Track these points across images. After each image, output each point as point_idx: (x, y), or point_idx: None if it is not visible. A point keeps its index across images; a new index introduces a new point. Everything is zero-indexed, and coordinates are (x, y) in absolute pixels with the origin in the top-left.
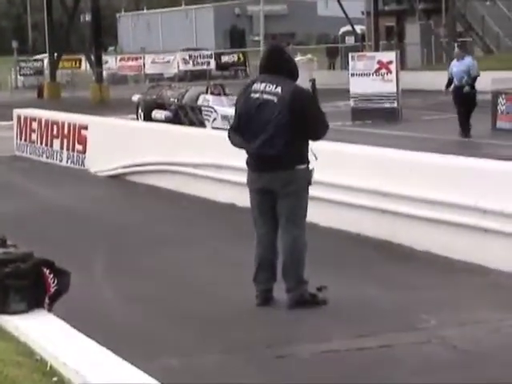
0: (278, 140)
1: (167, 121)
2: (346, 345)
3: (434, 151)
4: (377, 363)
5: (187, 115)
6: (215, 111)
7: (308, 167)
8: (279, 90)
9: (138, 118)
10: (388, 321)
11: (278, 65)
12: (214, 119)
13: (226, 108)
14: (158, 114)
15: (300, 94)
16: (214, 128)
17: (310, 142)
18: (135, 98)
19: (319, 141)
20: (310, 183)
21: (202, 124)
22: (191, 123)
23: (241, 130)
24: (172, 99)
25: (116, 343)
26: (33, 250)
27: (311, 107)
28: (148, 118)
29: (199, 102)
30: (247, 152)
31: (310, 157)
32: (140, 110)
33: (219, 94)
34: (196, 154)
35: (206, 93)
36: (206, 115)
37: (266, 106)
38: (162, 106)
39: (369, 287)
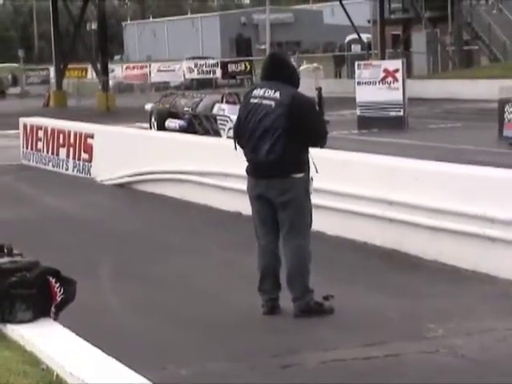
0: (275, 146)
1: (181, 130)
2: (353, 354)
3: (441, 160)
4: (384, 372)
5: (202, 124)
6: (231, 120)
7: (307, 176)
8: (278, 94)
9: (151, 127)
10: (395, 330)
11: (278, 71)
12: (230, 128)
13: None
14: (171, 123)
15: (299, 99)
16: (229, 137)
17: (311, 153)
18: (148, 106)
19: (317, 148)
20: (308, 192)
21: (216, 133)
22: (206, 132)
23: (241, 136)
24: (186, 108)
25: (122, 352)
26: (39, 259)
27: (310, 113)
28: (161, 127)
29: (214, 111)
30: (247, 159)
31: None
32: (153, 119)
33: (234, 103)
34: (202, 163)
35: (221, 102)
36: (222, 124)
37: (264, 111)
38: (175, 115)
39: (375, 296)
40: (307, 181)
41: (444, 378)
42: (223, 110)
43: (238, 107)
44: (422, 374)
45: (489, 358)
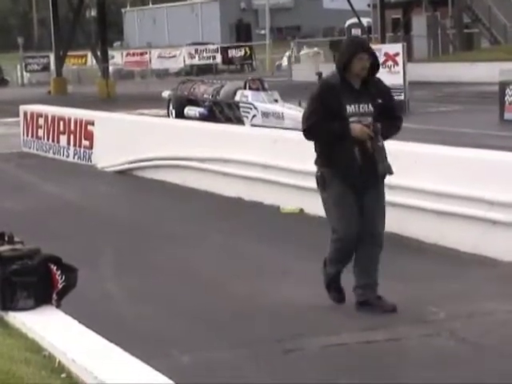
0: None
1: (201, 118)
2: (355, 338)
3: (441, 143)
4: (385, 356)
5: (223, 112)
6: (255, 108)
7: (331, 171)
8: None
9: (168, 115)
10: (396, 313)
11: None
12: (254, 116)
13: (266, 104)
14: (190, 111)
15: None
16: (253, 125)
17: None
18: (165, 94)
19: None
20: (325, 188)
21: (239, 121)
22: (228, 120)
23: None
24: (206, 95)
25: (124, 339)
26: (40, 247)
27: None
28: (180, 115)
29: (237, 98)
30: None
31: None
32: (171, 107)
33: (258, 89)
34: (203, 149)
35: (244, 88)
36: (245, 112)
37: None
38: (194, 103)
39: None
40: (321, 176)
41: (445, 361)
42: (246, 96)
43: (261, 93)
44: (424, 357)
45: (490, 342)
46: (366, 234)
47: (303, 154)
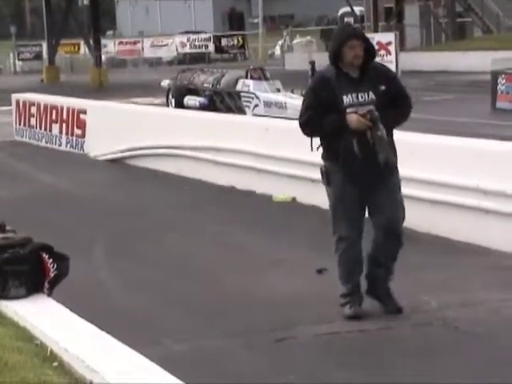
0: None
1: (201, 107)
2: (347, 327)
3: (434, 132)
4: (378, 345)
5: (224, 101)
6: (257, 97)
7: (329, 164)
8: None
9: (168, 105)
10: None
11: None
12: (256, 106)
13: (268, 94)
14: (190, 100)
15: None
16: (255, 115)
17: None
18: (165, 83)
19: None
20: (326, 183)
21: (240, 111)
22: (228, 110)
23: None
24: (206, 84)
25: (117, 328)
26: (32, 235)
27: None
28: (180, 104)
29: (238, 88)
30: None
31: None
32: (171, 97)
33: (259, 79)
34: (195, 137)
35: (246, 77)
36: (247, 102)
37: None
38: (194, 92)
39: None
40: (323, 169)
41: (438, 350)
42: (248, 86)
43: (263, 83)
44: (416, 346)
45: (482, 330)
46: (382, 230)
47: (295, 143)
